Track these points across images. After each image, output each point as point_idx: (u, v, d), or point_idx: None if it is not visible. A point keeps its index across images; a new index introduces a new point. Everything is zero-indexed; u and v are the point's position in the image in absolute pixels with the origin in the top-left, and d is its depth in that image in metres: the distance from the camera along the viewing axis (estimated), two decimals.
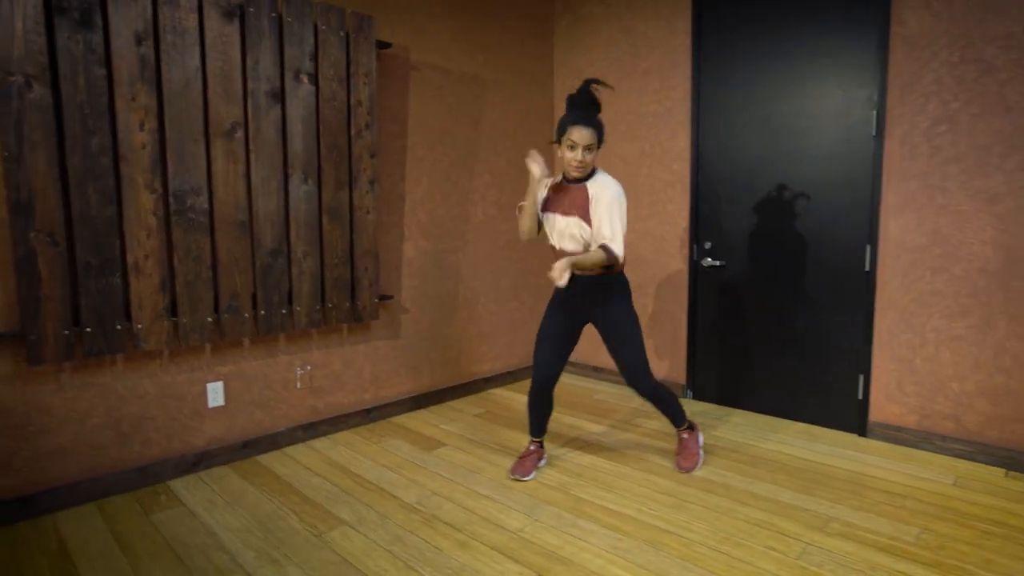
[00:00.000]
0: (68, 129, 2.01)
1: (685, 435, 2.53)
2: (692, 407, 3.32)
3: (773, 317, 3.09)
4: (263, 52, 2.43)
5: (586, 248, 2.26)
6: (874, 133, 2.71)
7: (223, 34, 2.32)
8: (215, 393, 2.52)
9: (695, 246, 3.36)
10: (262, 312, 2.55)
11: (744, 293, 3.19)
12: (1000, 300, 2.44)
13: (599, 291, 2.31)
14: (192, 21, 2.23)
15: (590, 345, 3.96)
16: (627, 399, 3.47)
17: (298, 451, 2.70)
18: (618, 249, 2.16)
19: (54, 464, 2.14)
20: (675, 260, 3.46)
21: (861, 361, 2.83)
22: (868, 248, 2.76)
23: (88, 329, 2.10)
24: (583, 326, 2.42)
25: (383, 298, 3.02)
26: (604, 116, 3.70)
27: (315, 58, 2.61)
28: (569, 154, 2.18)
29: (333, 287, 2.78)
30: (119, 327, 2.17)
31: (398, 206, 3.14)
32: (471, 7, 3.40)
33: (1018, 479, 2.36)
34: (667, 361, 3.56)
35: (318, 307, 2.73)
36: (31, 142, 1.94)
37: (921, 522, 2.04)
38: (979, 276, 2.49)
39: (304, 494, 2.28)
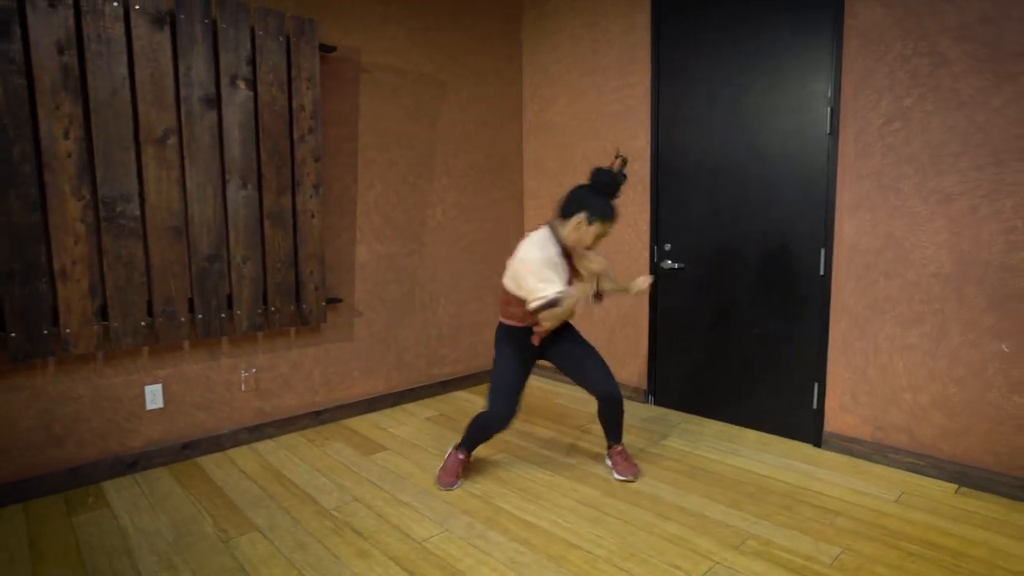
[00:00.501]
0: None
1: (622, 447, 2.49)
2: (651, 412, 3.24)
3: (731, 322, 2.99)
4: (196, 59, 2.45)
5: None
6: (828, 131, 2.59)
7: (153, 42, 2.34)
8: (153, 395, 2.55)
9: (655, 248, 3.27)
10: (199, 316, 2.57)
11: (703, 296, 3.09)
12: (954, 306, 2.31)
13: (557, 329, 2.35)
14: (118, 30, 2.25)
15: None
16: (586, 404, 3.41)
17: (239, 453, 2.73)
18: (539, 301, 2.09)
19: None
20: (637, 263, 3.38)
21: (816, 369, 2.71)
22: (823, 251, 2.64)
23: (13, 334, 2.14)
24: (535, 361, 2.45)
25: (331, 301, 3.02)
26: (569, 114, 3.64)
27: (253, 63, 2.62)
28: (593, 233, 2.16)
29: (276, 291, 2.79)
30: (46, 332, 2.21)
31: (349, 209, 3.13)
32: (430, 9, 3.37)
33: (968, 496, 2.23)
34: (629, 366, 3.48)
35: (260, 311, 2.75)
36: None
37: (845, 541, 1.94)
38: (933, 281, 2.36)
39: (229, 498, 2.29)
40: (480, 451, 2.72)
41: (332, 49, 2.89)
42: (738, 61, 2.85)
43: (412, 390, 3.50)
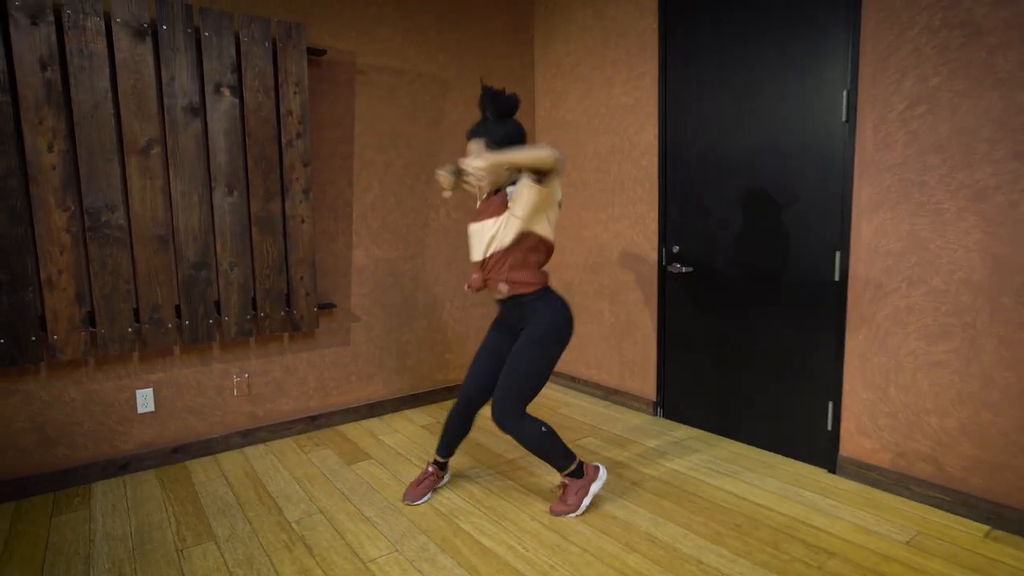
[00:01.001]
0: None
1: (567, 479, 2.18)
2: (658, 426, 3.02)
3: (741, 331, 2.73)
4: (179, 68, 2.48)
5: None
6: (844, 118, 2.30)
7: (135, 53, 2.39)
8: (144, 399, 2.62)
9: (663, 250, 3.05)
10: (187, 322, 2.61)
11: (712, 303, 2.85)
12: (986, 319, 1.98)
13: (536, 306, 2.10)
14: (100, 44, 2.31)
15: (568, 353, 3.74)
16: (595, 416, 3.23)
17: (228, 458, 2.76)
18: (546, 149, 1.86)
19: None
20: (645, 265, 3.17)
21: (831, 386, 2.42)
22: (838, 254, 2.35)
23: (1, 341, 2.24)
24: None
25: (324, 306, 3.00)
26: (579, 110, 3.47)
27: (238, 70, 2.63)
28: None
29: (265, 297, 2.80)
30: (34, 338, 2.30)
31: (345, 213, 3.11)
32: (427, 8, 3.29)
33: (1000, 542, 1.91)
34: (638, 375, 3.27)
35: (249, 317, 2.76)
36: None
37: None
38: (963, 289, 2.03)
39: (201, 504, 2.31)
40: (464, 463, 2.62)
41: (322, 52, 2.86)
42: (746, 43, 2.59)
43: (415, 396, 3.44)
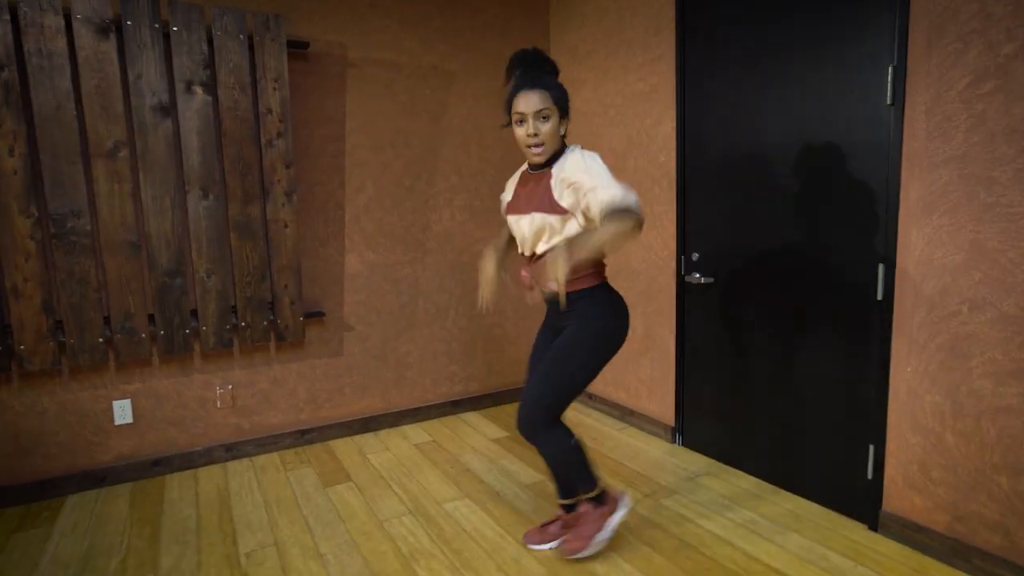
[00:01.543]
0: None
1: (584, 507, 1.94)
2: (675, 457, 2.67)
3: (767, 353, 2.33)
4: (146, 65, 2.35)
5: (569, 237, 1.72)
6: (889, 101, 1.87)
7: (98, 51, 2.27)
8: (122, 410, 2.53)
9: (682, 257, 2.68)
10: (162, 332, 2.50)
11: (735, 319, 2.46)
12: None
13: (584, 304, 1.76)
14: (60, 42, 2.21)
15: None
16: (607, 440, 2.91)
17: (208, 473, 2.64)
18: (628, 199, 1.58)
19: None
20: (664, 273, 2.80)
21: (873, 426, 2.00)
22: (881, 267, 1.93)
23: None
24: None
25: (311, 315, 2.83)
26: (595, 100, 3.14)
27: (211, 66, 2.48)
28: (519, 131, 1.73)
29: (246, 306, 2.65)
30: (1, 348, 2.24)
31: (336, 216, 2.92)
32: None
33: None
34: (656, 397, 2.91)
35: (229, 326, 2.63)
36: None
37: None
38: None
39: (160, 527, 2.18)
40: (446, 492, 2.38)
41: (304, 45, 2.68)
42: (772, 14, 2.18)
43: (416, 410, 3.23)
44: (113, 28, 2.29)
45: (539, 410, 1.77)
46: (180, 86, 2.42)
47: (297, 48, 2.67)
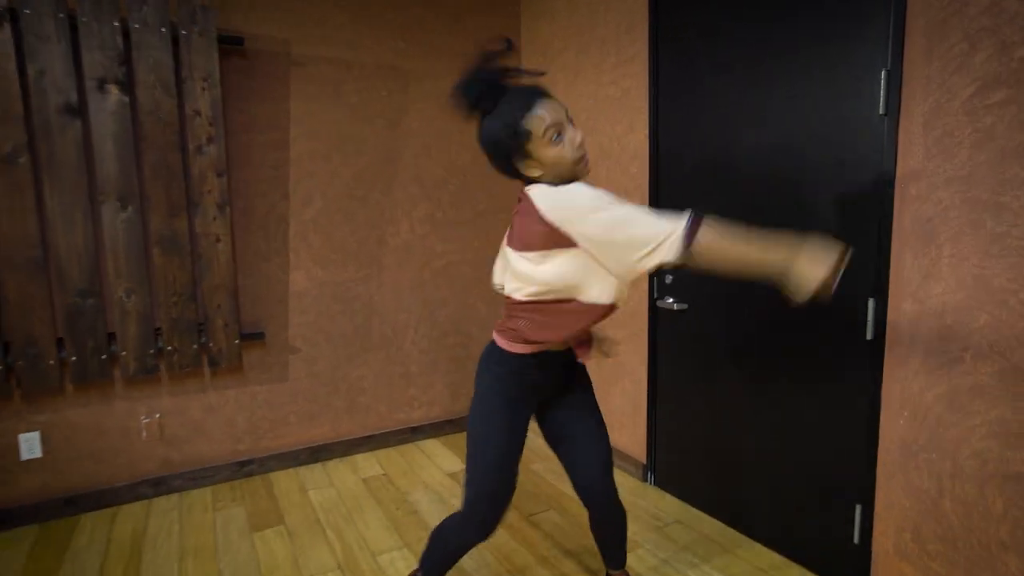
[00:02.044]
0: None
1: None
2: (644, 499, 2.41)
3: (745, 391, 2.08)
4: (50, 60, 2.10)
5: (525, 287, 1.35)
6: (882, 111, 1.61)
7: None
8: (29, 444, 2.28)
9: (654, 279, 2.42)
10: (73, 358, 2.25)
11: (711, 351, 2.20)
12: None
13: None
14: None
15: None
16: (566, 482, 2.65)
17: (129, 512, 2.39)
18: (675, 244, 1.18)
19: None
20: (634, 295, 2.55)
21: (860, 485, 1.74)
22: (872, 302, 1.67)
23: None
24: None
25: (249, 337, 2.58)
26: (566, 101, 2.88)
27: (128, 62, 2.23)
28: (561, 146, 1.28)
29: (173, 328, 2.40)
30: None
31: (279, 229, 2.67)
32: None
33: None
34: (628, 431, 2.66)
35: (152, 351, 2.38)
36: None
37: None
38: None
39: None
40: (384, 539, 2.12)
41: (239, 41, 2.42)
42: (752, 9, 1.93)
43: (369, 438, 2.98)
44: (8, 17, 2.03)
45: (612, 471, 1.56)
46: (91, 84, 2.17)
47: (231, 44, 2.41)
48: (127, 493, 2.46)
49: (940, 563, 1.56)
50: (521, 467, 2.75)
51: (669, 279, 2.35)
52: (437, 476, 2.67)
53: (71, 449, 2.36)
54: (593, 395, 1.56)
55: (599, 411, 1.55)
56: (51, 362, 2.22)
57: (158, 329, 2.41)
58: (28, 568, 2.01)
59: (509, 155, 1.31)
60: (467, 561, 2.01)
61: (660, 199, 2.37)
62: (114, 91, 2.20)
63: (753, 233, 1.21)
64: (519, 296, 1.37)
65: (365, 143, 2.82)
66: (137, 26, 2.20)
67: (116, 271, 2.28)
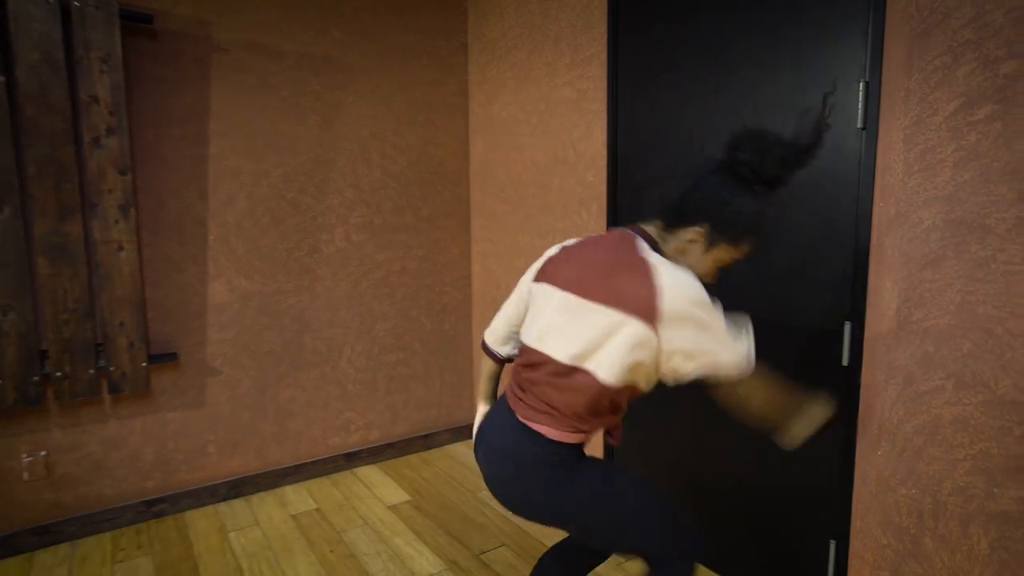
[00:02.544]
0: None
1: None
2: None
3: (712, 415, 1.96)
4: None
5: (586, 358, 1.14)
6: (860, 124, 1.52)
7: None
8: None
9: None
10: None
11: None
12: None
13: None
14: None
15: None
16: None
17: (4, 570, 2.02)
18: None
19: None
20: None
21: (834, 517, 1.65)
22: (848, 327, 1.58)
23: None
24: None
25: (160, 358, 2.26)
26: (516, 104, 2.72)
27: (2, 34, 1.89)
28: (717, 262, 1.21)
29: (64, 350, 2.06)
30: None
31: (196, 234, 2.36)
32: None
33: None
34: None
35: (36, 378, 2.02)
36: None
37: None
38: None
39: None
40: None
41: (146, 18, 2.11)
42: (721, 12, 1.81)
43: (300, 467, 2.69)
44: None
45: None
46: None
47: (136, 21, 2.10)
48: (6, 546, 2.09)
49: None
50: (467, 495, 2.56)
51: None
52: (377, 510, 2.43)
53: None
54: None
55: None
56: None
57: (45, 351, 2.06)
58: None
59: (723, 231, 1.15)
60: None
61: (619, 209, 2.23)
62: None
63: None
64: (605, 375, 1.11)
65: (297, 141, 2.55)
66: None
67: None
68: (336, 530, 2.28)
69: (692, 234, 1.17)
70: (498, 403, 1.33)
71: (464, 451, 3.03)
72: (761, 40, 1.72)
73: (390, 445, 2.93)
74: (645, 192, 2.12)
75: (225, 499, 2.51)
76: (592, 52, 2.29)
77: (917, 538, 1.48)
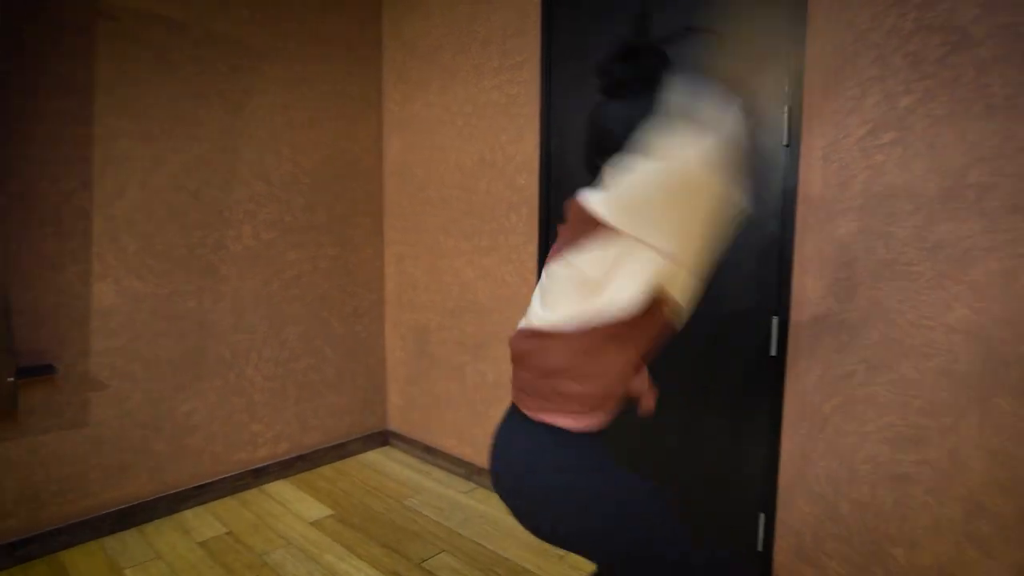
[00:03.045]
0: None
1: None
2: None
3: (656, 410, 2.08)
4: None
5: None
6: (785, 142, 1.72)
7: None
8: None
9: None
10: None
11: None
12: (974, 425, 1.48)
13: None
14: None
15: (421, 417, 2.92)
16: (454, 512, 2.44)
17: None
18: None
19: None
20: (520, 312, 2.44)
21: (763, 494, 1.84)
22: (775, 320, 1.78)
23: None
24: None
25: (31, 372, 1.91)
26: (440, 105, 2.68)
27: None
28: None
29: None
30: None
31: (77, 228, 2.03)
32: None
33: None
34: None
35: None
36: None
37: None
38: (942, 382, 1.52)
39: None
40: None
41: None
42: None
43: (202, 488, 2.42)
44: None
45: None
46: None
47: None
48: None
49: (837, 562, 1.70)
50: (393, 504, 2.47)
51: None
52: (298, 527, 2.26)
53: None
54: None
55: None
56: None
57: None
58: None
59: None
60: None
61: (552, 212, 2.29)
62: None
63: None
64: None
65: (200, 127, 2.30)
66: None
67: None
68: (256, 553, 2.08)
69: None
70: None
71: (380, 459, 2.92)
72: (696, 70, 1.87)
73: (301, 457, 2.74)
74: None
75: (112, 532, 2.19)
76: (523, 57, 2.33)
77: (834, 503, 1.70)
